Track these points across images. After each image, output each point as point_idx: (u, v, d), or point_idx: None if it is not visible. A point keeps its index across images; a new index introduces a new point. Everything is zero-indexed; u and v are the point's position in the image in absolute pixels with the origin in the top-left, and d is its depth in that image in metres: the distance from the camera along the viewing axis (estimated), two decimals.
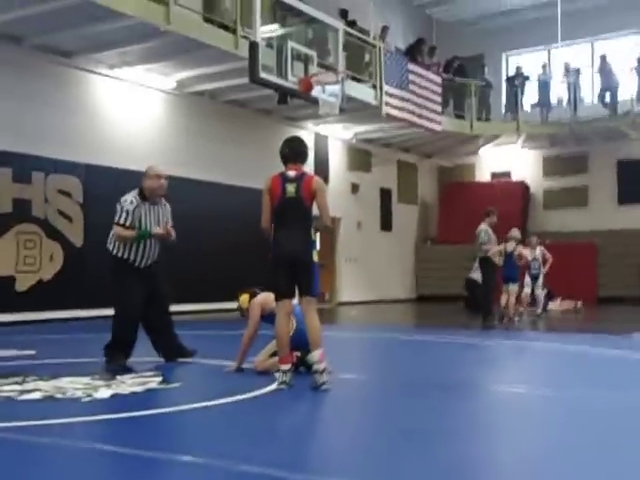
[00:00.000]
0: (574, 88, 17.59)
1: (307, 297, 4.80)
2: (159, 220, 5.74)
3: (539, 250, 12.77)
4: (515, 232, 11.73)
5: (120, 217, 5.54)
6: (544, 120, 18.03)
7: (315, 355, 4.61)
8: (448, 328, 10.16)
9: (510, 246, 11.30)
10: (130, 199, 5.59)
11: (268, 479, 2.63)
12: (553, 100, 18.12)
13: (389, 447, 3.20)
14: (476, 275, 12.94)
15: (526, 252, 12.11)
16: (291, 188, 4.78)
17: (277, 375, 4.64)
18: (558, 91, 18.21)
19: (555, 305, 14.43)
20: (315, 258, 4.82)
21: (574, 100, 17.52)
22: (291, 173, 4.86)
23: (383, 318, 13.61)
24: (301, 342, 4.92)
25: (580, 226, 18.31)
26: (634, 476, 2.75)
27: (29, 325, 9.99)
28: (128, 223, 5.53)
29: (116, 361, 5.52)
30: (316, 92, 10.64)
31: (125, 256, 5.61)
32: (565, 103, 17.80)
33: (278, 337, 4.75)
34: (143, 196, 5.69)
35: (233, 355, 5.48)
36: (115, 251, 5.63)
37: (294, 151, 4.98)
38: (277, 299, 4.80)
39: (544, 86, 18.07)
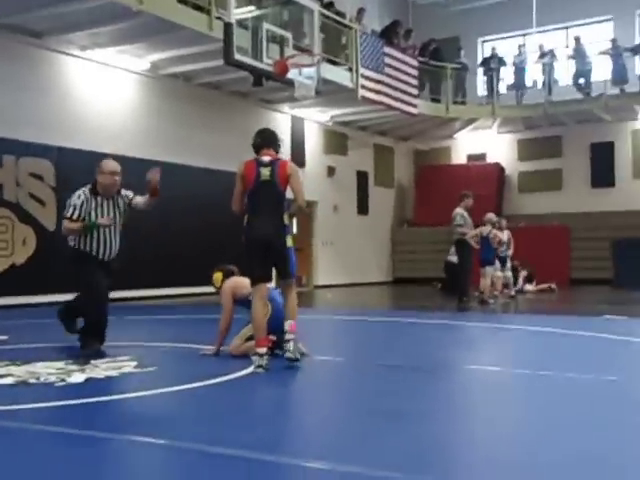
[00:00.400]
0: (549, 70, 17.70)
1: (286, 280, 4.90)
2: (113, 213, 5.70)
3: (507, 233, 12.90)
4: (491, 215, 11.86)
5: (68, 211, 5.55)
6: (519, 102, 18.12)
7: (287, 324, 4.75)
8: (424, 310, 10.25)
9: (486, 229, 11.42)
10: (79, 194, 5.60)
11: (242, 461, 2.63)
12: (528, 83, 18.21)
13: (365, 428, 3.22)
14: (454, 258, 13.04)
15: (501, 234, 12.23)
16: (265, 172, 4.82)
17: (254, 359, 4.65)
18: (533, 74, 18.31)
19: (531, 286, 14.63)
20: (290, 242, 4.85)
21: (549, 82, 17.63)
22: (265, 158, 4.91)
23: (359, 301, 13.67)
24: (277, 326, 4.94)
25: (554, 209, 18.51)
26: (607, 449, 2.80)
27: (2, 310, 9.86)
28: (75, 217, 5.53)
29: (91, 346, 5.48)
30: (292, 74, 10.57)
31: (87, 248, 5.59)
32: (540, 85, 17.91)
33: (255, 321, 4.77)
34: (95, 190, 5.67)
35: (209, 339, 5.47)
36: (74, 244, 5.61)
37: (266, 138, 5.04)
38: (253, 284, 4.82)
39: (519, 68, 18.15)
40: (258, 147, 5.01)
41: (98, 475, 2.54)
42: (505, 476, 2.47)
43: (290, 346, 4.72)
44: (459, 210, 10.77)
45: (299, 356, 4.77)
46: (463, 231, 10.70)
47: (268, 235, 4.75)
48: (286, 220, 4.90)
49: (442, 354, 5.71)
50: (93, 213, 5.57)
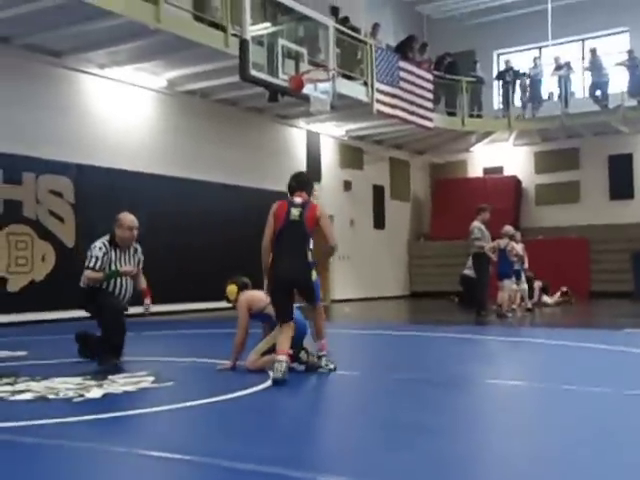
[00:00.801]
0: (565, 82, 17.64)
1: (311, 304, 5.25)
2: (132, 263, 5.97)
3: (521, 246, 12.82)
4: (508, 228, 11.81)
5: (90, 262, 5.73)
6: (535, 115, 18.07)
7: (319, 344, 5.17)
8: (442, 324, 10.18)
9: (503, 242, 11.36)
10: (99, 245, 5.80)
11: (263, 476, 2.62)
12: (544, 96, 18.16)
13: (384, 442, 3.19)
14: (470, 271, 12.99)
15: (518, 247, 12.16)
16: (295, 212, 5.15)
17: (275, 365, 4.67)
18: (549, 87, 18.26)
19: (549, 298, 14.48)
20: (314, 276, 5.10)
21: (565, 94, 17.57)
22: (297, 199, 5.25)
23: (377, 315, 13.62)
24: (295, 341, 5.03)
25: (572, 221, 18.37)
26: (633, 465, 2.75)
27: (21, 326, 9.95)
28: (98, 267, 5.72)
29: (107, 361, 5.53)
30: (307, 90, 10.61)
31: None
32: (556, 97, 17.85)
33: (283, 338, 4.88)
34: (114, 242, 5.87)
35: (226, 354, 5.47)
36: (84, 285, 5.81)
37: (301, 182, 5.38)
38: (284, 323, 4.93)
39: (535, 81, 18.11)
40: (292, 189, 5.37)
41: None
42: None
43: (323, 362, 5.14)
44: (476, 223, 10.78)
45: (333, 367, 5.14)
46: (481, 244, 10.69)
47: (297, 277, 5.01)
48: (310, 257, 5.13)
49: (461, 368, 5.66)
50: (113, 265, 5.80)
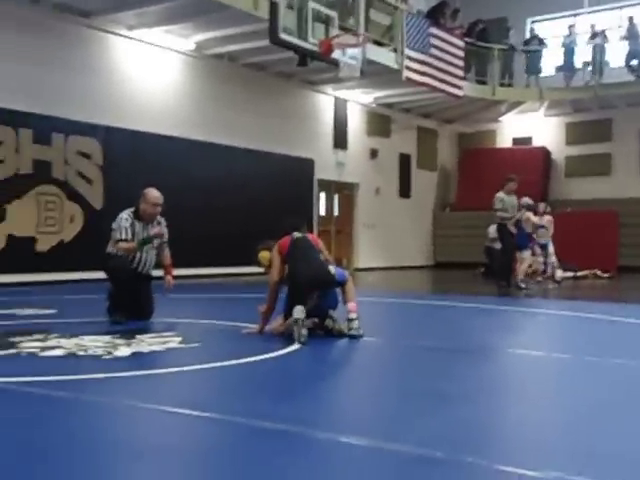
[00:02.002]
0: (600, 51, 17.20)
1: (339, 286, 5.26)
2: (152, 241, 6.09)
3: (547, 218, 12.65)
4: (525, 199, 11.66)
5: (121, 233, 5.91)
6: (568, 84, 17.67)
7: (348, 306, 5.14)
8: (465, 294, 10.15)
9: (520, 213, 11.27)
10: (125, 217, 5.96)
11: (287, 435, 2.65)
12: (578, 65, 17.73)
13: (407, 408, 3.21)
14: (493, 243, 12.94)
15: (535, 218, 12.05)
16: (297, 234, 5.29)
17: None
18: (583, 56, 17.82)
19: (572, 273, 14.30)
20: (333, 270, 5.17)
21: (600, 63, 17.14)
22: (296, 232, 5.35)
23: (400, 284, 13.61)
24: (321, 311, 5.13)
25: (602, 194, 18.07)
26: None
27: (49, 285, 10.12)
28: (129, 237, 5.92)
29: (113, 317, 5.84)
30: (336, 54, 10.51)
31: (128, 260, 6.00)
32: (590, 67, 17.42)
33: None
34: (137, 215, 6.00)
35: (252, 318, 5.51)
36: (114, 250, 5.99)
37: (294, 224, 5.42)
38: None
39: (569, 50, 17.67)
40: (289, 230, 5.37)
41: (146, 445, 2.59)
42: (549, 459, 2.43)
43: (355, 324, 5.08)
44: (499, 194, 10.72)
45: (362, 332, 5.09)
46: (502, 215, 10.65)
47: (317, 274, 5.05)
48: (320, 254, 5.27)
49: (483, 337, 5.66)
50: (139, 236, 5.96)
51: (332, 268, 5.18)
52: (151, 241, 6.00)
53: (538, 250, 12.57)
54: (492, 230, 12.86)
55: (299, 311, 4.83)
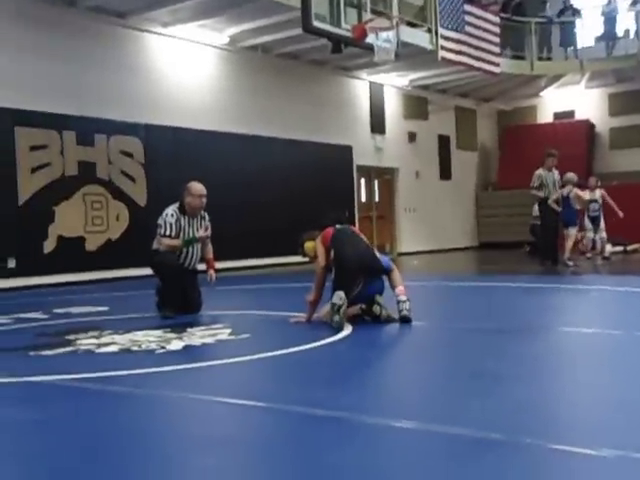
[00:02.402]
0: None
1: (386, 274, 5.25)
2: (198, 230, 6.18)
3: (599, 192, 12.36)
4: (571, 175, 11.42)
5: (165, 229, 5.99)
6: (610, 54, 17.20)
7: (397, 290, 5.13)
8: (511, 274, 10.03)
9: (566, 190, 11.04)
10: (171, 212, 6.03)
11: (339, 422, 2.67)
12: (619, 33, 17.23)
13: (460, 390, 3.20)
14: (536, 220, 12.75)
15: (583, 194, 11.78)
16: (339, 226, 5.38)
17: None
18: (624, 24, 17.31)
19: (621, 247, 13.98)
20: (378, 254, 5.27)
21: None
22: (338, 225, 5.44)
23: (445, 267, 13.52)
24: (367, 296, 5.13)
25: None
26: None
27: (99, 284, 10.36)
28: (174, 234, 5.99)
29: (163, 312, 5.93)
30: (370, 39, 10.43)
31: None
32: (632, 34, 16.90)
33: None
34: (183, 209, 6.08)
35: (298, 307, 5.56)
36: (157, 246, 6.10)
37: (336, 217, 5.55)
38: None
39: (609, 18, 17.18)
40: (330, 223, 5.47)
41: (205, 436, 2.65)
42: (607, 437, 2.41)
43: (406, 305, 5.05)
44: (538, 171, 10.57)
45: (412, 315, 5.06)
46: (536, 194, 10.52)
47: (364, 257, 5.12)
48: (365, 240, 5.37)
49: (532, 317, 5.59)
50: (185, 231, 6.05)
51: (377, 254, 5.21)
52: (197, 241, 6.10)
53: (589, 225, 12.33)
54: (536, 208, 12.65)
55: (337, 297, 4.86)
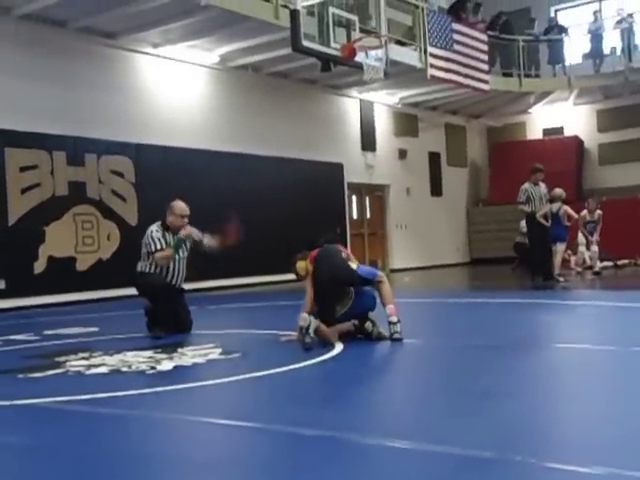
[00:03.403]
0: (628, 35, 16.87)
1: (372, 285, 5.27)
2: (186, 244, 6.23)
3: (597, 214, 12.49)
4: (560, 191, 11.49)
5: (155, 245, 6.01)
6: (597, 71, 17.38)
7: (387, 309, 5.11)
8: (503, 290, 10.04)
9: (556, 206, 11.10)
10: (155, 229, 6.10)
11: (331, 441, 2.66)
12: (606, 51, 17.42)
13: (452, 408, 3.19)
14: (521, 238, 12.86)
15: (583, 214, 11.89)
16: (328, 245, 5.49)
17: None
18: (611, 41, 17.51)
19: (611, 263, 14.04)
20: (354, 265, 5.28)
21: (628, 47, 16.81)
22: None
23: (437, 283, 13.53)
24: (358, 313, 5.14)
25: (638, 181, 17.71)
26: None
27: (90, 304, 10.30)
28: (164, 246, 6.04)
29: (155, 331, 5.94)
30: (360, 58, 10.48)
31: (163, 275, 6.11)
32: (619, 51, 17.10)
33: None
34: (166, 226, 6.14)
35: (289, 325, 5.53)
36: (147, 269, 6.10)
37: (328, 238, 5.63)
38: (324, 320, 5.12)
39: (596, 36, 17.38)
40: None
41: (198, 458, 2.62)
42: (599, 455, 2.40)
43: (397, 328, 5.06)
44: (524, 186, 10.62)
45: (402, 336, 5.06)
46: (523, 209, 10.56)
47: (336, 269, 5.16)
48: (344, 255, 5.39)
49: (525, 332, 5.59)
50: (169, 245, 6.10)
51: (354, 264, 5.24)
52: (184, 242, 6.09)
53: (583, 240, 12.40)
54: (523, 224, 12.80)
55: (301, 319, 4.91)
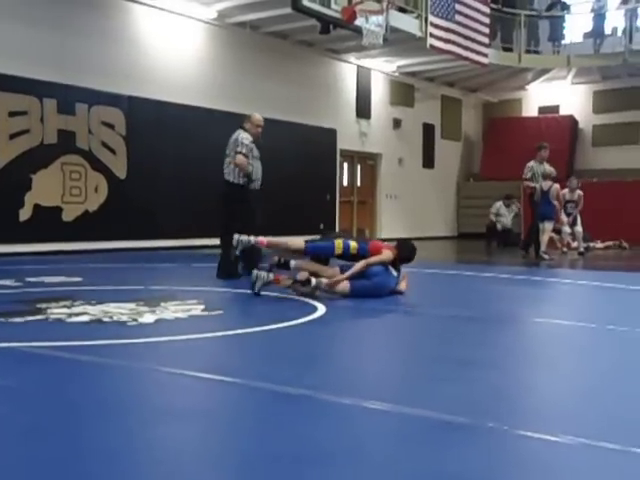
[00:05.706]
0: (631, 16, 16.73)
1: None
2: (259, 153, 7.06)
3: (577, 194, 12.49)
4: (549, 169, 11.50)
5: (242, 147, 6.73)
6: (597, 51, 17.26)
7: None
8: (488, 264, 10.10)
9: (546, 185, 11.08)
10: (246, 136, 6.81)
11: (311, 401, 2.68)
12: (607, 31, 17.29)
13: (429, 374, 3.22)
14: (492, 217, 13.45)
15: (563, 192, 11.90)
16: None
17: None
18: (613, 21, 17.38)
19: (597, 243, 14.14)
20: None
21: (630, 29, 16.68)
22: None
23: (424, 254, 13.53)
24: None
25: (630, 164, 17.75)
26: None
27: (75, 255, 10.25)
28: (247, 154, 6.74)
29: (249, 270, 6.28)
30: (359, 22, 10.37)
31: (245, 183, 6.85)
32: (620, 32, 16.97)
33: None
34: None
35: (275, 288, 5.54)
36: (235, 180, 6.84)
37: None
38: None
39: (599, 15, 17.22)
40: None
41: (170, 408, 2.63)
42: (572, 424, 2.43)
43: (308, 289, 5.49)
44: (530, 163, 10.67)
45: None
46: (529, 185, 10.61)
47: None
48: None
49: (505, 306, 5.64)
50: (254, 151, 6.94)
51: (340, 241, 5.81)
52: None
53: (565, 219, 12.42)
54: (497, 205, 14.50)
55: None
